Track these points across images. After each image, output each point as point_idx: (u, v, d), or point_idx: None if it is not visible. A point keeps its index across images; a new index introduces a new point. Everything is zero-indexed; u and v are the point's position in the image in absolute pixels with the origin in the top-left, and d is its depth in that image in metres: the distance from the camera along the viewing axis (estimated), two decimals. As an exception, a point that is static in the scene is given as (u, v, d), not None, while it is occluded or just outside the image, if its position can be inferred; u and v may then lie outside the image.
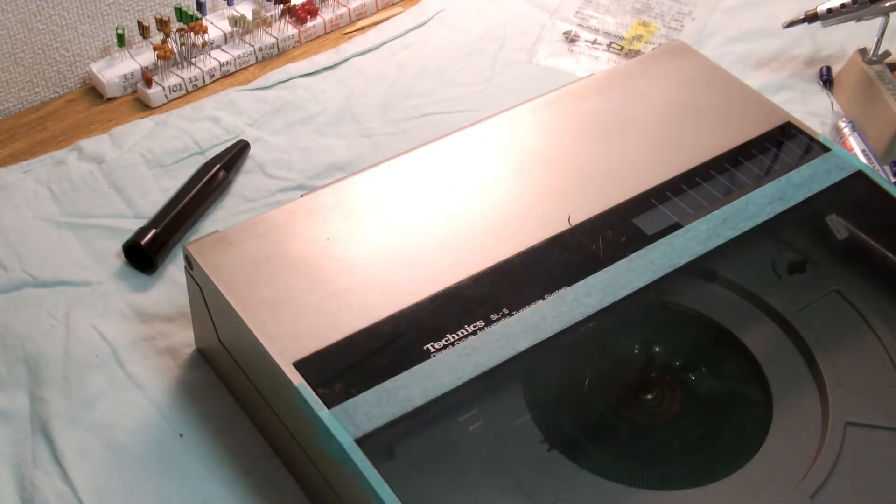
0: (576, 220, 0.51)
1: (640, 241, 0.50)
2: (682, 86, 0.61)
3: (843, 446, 0.46)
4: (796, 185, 0.54)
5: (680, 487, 0.44)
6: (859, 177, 0.55)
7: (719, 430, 0.48)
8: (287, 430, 0.47)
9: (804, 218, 0.54)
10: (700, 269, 0.51)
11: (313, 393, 0.43)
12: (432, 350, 0.45)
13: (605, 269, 0.49)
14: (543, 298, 0.47)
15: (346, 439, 0.41)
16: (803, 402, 0.48)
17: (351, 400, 0.43)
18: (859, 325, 0.51)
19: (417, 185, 0.53)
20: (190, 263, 0.49)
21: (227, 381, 0.53)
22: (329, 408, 0.42)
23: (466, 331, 0.46)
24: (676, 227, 0.51)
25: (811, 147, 0.57)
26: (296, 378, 0.43)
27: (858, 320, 0.51)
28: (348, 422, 0.42)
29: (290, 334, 0.45)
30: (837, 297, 0.53)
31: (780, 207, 0.53)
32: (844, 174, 0.55)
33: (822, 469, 0.45)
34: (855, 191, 0.55)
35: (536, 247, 0.50)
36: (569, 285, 0.48)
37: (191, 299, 0.53)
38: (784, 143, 0.57)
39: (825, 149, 0.57)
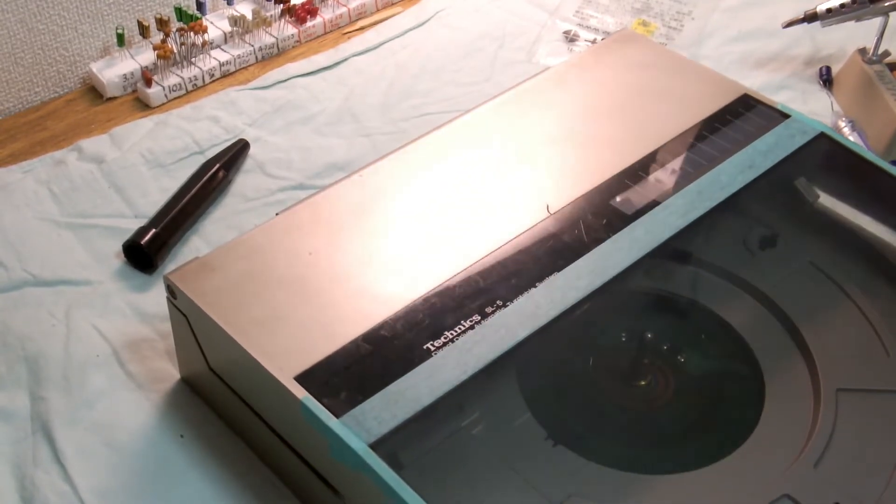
0: (555, 208, 0.51)
1: (621, 221, 0.51)
2: (638, 71, 0.62)
3: (837, 413, 0.46)
4: (763, 152, 0.55)
5: (688, 469, 0.45)
6: (822, 138, 0.56)
7: (716, 408, 0.49)
8: (293, 450, 0.46)
9: (773, 183, 0.55)
10: (676, 249, 0.51)
11: (319, 404, 0.42)
12: (433, 349, 0.45)
13: (591, 253, 0.49)
14: (535, 287, 0.47)
15: (360, 446, 0.41)
16: (793, 374, 0.49)
17: (359, 406, 0.42)
18: (835, 293, 0.52)
19: (390, 191, 0.53)
20: (173, 293, 0.49)
21: (220, 410, 0.52)
22: (338, 417, 0.42)
23: (464, 326, 0.46)
24: (654, 204, 0.52)
25: (771, 115, 0.58)
26: (299, 392, 0.43)
27: (834, 288, 0.53)
28: (360, 428, 0.41)
29: (287, 350, 0.44)
30: (811, 266, 0.54)
31: (751, 175, 0.54)
32: (808, 137, 0.56)
33: (822, 437, 0.45)
34: (819, 152, 0.56)
35: (520, 237, 0.50)
36: (558, 271, 0.48)
37: (174, 329, 0.52)
38: (744, 113, 0.58)
39: (785, 115, 0.58)
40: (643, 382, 0.49)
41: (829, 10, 0.73)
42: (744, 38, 0.81)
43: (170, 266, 0.60)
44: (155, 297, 0.58)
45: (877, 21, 0.72)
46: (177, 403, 0.53)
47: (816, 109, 0.74)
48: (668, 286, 0.53)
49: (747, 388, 0.49)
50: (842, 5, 0.72)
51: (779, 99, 0.74)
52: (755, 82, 0.76)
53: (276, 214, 0.52)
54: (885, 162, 0.58)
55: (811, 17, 0.74)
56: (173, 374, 0.54)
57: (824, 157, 0.56)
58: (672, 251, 0.51)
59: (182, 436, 0.51)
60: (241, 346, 0.45)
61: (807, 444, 0.45)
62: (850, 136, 0.68)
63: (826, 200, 0.57)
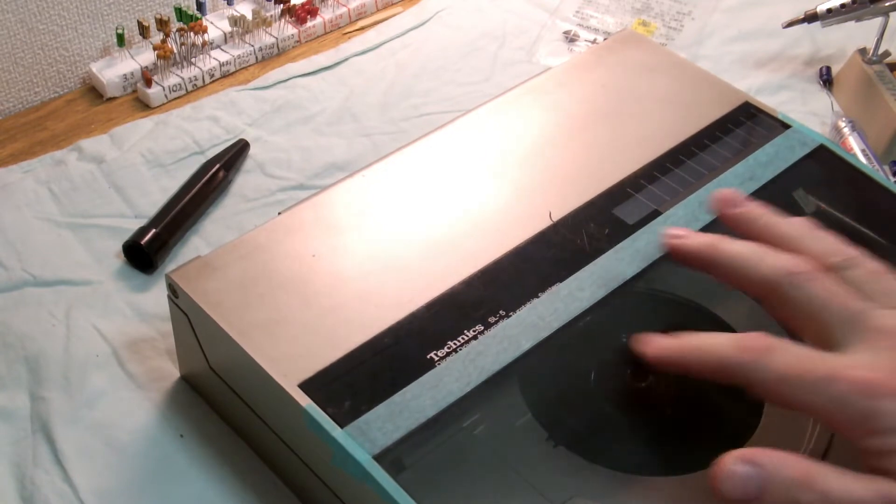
0: (557, 216, 0.52)
1: (622, 231, 0.51)
2: (639, 74, 0.61)
3: None
4: (764, 163, 0.55)
5: (689, 471, 0.45)
6: (822, 150, 0.56)
7: (717, 410, 0.49)
8: (295, 454, 0.46)
9: (773, 195, 0.55)
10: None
11: (324, 413, 0.42)
12: (436, 359, 0.44)
13: (593, 262, 0.49)
14: (538, 297, 0.47)
15: (364, 457, 0.41)
16: None
17: (364, 416, 0.42)
18: None
19: (393, 193, 0.53)
20: (174, 292, 0.48)
21: (220, 408, 0.52)
22: (342, 427, 0.42)
23: (467, 336, 0.45)
24: (655, 214, 0.52)
25: (772, 125, 0.58)
26: (303, 400, 0.42)
27: None
28: (363, 439, 0.41)
29: (290, 355, 0.44)
30: None
31: (752, 187, 0.54)
32: (808, 149, 0.56)
33: (822, 439, 0.45)
34: (819, 164, 0.56)
35: (522, 245, 0.50)
36: (560, 281, 0.48)
37: (175, 328, 0.52)
38: (745, 123, 0.58)
39: (786, 126, 0.58)
40: (644, 384, 0.49)
41: (829, 10, 0.73)
42: (744, 38, 0.81)
43: (170, 266, 0.60)
44: (155, 297, 0.58)
45: (877, 21, 0.72)
46: (177, 403, 0.53)
47: (816, 109, 0.74)
48: (668, 287, 0.53)
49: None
50: (842, 5, 0.72)
51: (779, 99, 0.75)
52: (755, 82, 0.76)
53: (279, 213, 0.52)
54: (883, 175, 0.58)
55: (811, 17, 0.74)
56: (173, 373, 0.54)
57: (824, 169, 0.56)
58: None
59: (182, 435, 0.51)
60: (243, 350, 0.45)
61: (807, 447, 0.45)
62: (850, 137, 0.68)
63: (824, 211, 0.56)
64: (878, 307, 0.40)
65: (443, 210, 0.52)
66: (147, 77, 0.72)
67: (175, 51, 0.73)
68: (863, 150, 0.67)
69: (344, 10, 0.81)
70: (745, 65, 0.78)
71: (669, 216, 0.52)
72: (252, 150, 0.68)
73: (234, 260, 0.49)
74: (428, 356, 0.45)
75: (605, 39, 0.67)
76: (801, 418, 0.47)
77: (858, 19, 0.73)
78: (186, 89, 0.74)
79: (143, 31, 0.73)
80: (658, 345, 0.43)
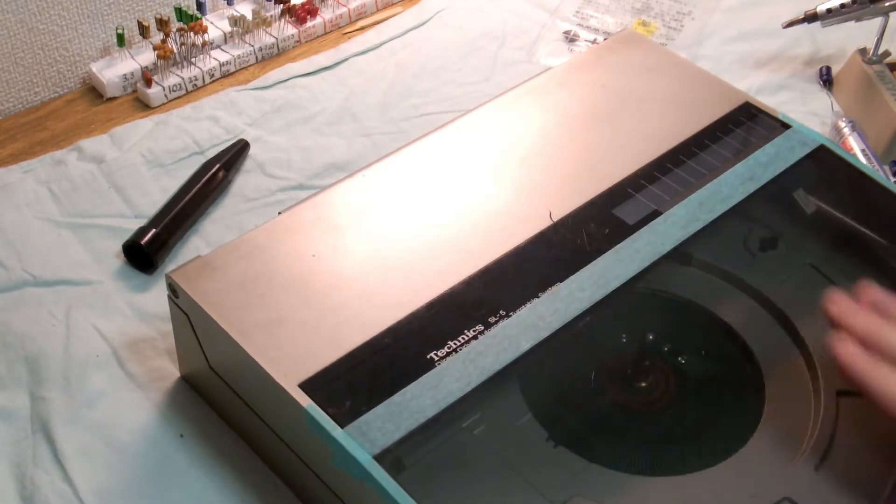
0: (557, 216, 0.52)
1: (622, 231, 0.51)
2: (640, 74, 0.62)
3: (837, 416, 0.46)
4: (764, 163, 0.55)
5: (689, 471, 0.45)
6: (822, 151, 0.56)
7: (717, 410, 0.49)
8: (294, 453, 0.46)
9: (772, 195, 0.55)
10: (677, 253, 0.51)
11: (324, 413, 0.42)
12: (436, 359, 0.44)
13: (593, 263, 0.49)
14: (538, 297, 0.47)
15: (365, 457, 0.41)
16: (793, 376, 0.49)
17: (364, 416, 0.42)
18: None
19: (393, 193, 0.53)
20: (175, 291, 0.48)
21: (220, 408, 0.52)
22: (342, 427, 0.42)
23: (467, 336, 0.46)
24: (655, 214, 0.52)
25: (772, 125, 0.58)
26: (304, 400, 0.43)
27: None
28: (364, 439, 0.41)
29: (290, 355, 0.44)
30: (811, 269, 0.54)
31: (751, 187, 0.54)
32: (808, 149, 0.56)
33: (822, 440, 0.45)
34: (819, 164, 0.56)
35: (523, 245, 0.50)
36: (560, 281, 0.48)
37: (175, 328, 0.52)
38: (746, 123, 0.58)
39: (786, 126, 0.58)
40: (644, 384, 0.49)
41: (829, 10, 0.73)
42: (744, 38, 0.81)
43: (170, 266, 0.60)
44: (155, 297, 0.58)
45: (877, 21, 0.72)
46: (177, 403, 0.53)
47: (816, 110, 0.74)
48: (668, 287, 0.53)
49: (748, 390, 0.49)
50: (842, 5, 0.72)
51: (779, 99, 0.75)
52: (755, 82, 0.76)
53: (279, 213, 0.52)
54: (882, 176, 0.58)
55: (811, 17, 0.74)
56: (173, 373, 0.54)
57: (824, 169, 0.56)
58: (672, 252, 0.51)
59: (182, 435, 0.51)
60: (243, 350, 0.45)
61: (808, 447, 0.45)
62: (850, 137, 0.68)
63: (824, 212, 0.57)
64: None
65: (443, 210, 0.52)
66: (147, 77, 0.72)
67: (175, 51, 0.73)
68: (863, 150, 0.67)
69: (344, 10, 0.81)
70: (745, 65, 0.78)
71: (669, 217, 0.52)
72: (252, 150, 0.68)
73: (234, 260, 0.49)
74: (428, 356, 0.45)
75: (605, 39, 0.67)
76: (801, 420, 0.47)
77: (858, 19, 0.73)
78: (186, 89, 0.74)
79: (143, 31, 0.73)
80: (850, 357, 0.44)
